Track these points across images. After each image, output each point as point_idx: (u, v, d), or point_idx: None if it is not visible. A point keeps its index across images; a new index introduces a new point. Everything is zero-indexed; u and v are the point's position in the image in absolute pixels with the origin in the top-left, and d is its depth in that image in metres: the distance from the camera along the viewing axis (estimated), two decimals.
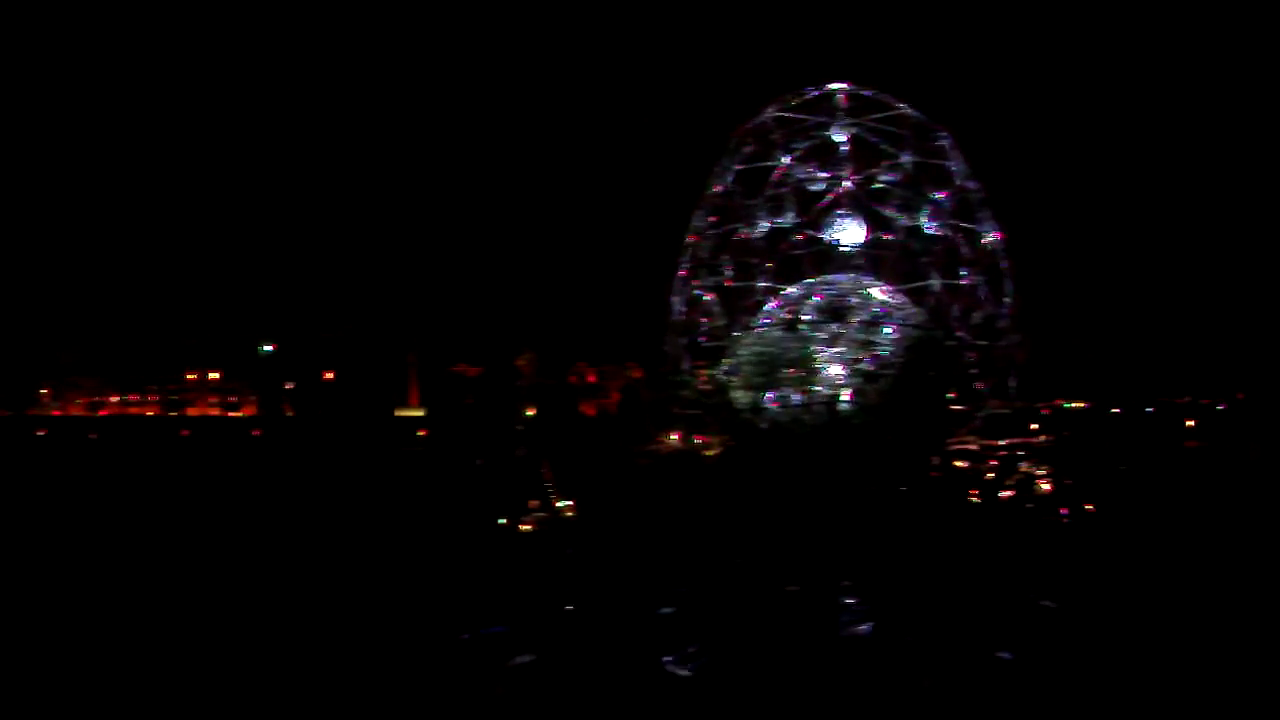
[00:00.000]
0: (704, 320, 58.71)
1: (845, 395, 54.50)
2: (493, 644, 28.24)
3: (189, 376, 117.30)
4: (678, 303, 59.10)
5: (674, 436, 74.91)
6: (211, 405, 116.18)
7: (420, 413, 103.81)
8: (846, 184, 57.15)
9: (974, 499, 54.93)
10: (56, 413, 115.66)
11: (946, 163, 57.22)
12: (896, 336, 54.77)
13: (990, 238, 56.90)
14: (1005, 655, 26.94)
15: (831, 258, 57.31)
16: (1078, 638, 28.49)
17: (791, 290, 57.16)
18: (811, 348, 54.94)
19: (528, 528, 51.10)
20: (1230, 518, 45.23)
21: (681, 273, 59.17)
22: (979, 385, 57.36)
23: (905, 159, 56.94)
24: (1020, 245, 58.46)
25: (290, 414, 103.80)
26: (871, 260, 57.05)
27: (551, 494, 55.00)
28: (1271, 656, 26.68)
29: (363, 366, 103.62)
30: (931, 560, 37.08)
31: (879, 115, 57.48)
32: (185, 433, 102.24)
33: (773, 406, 55.37)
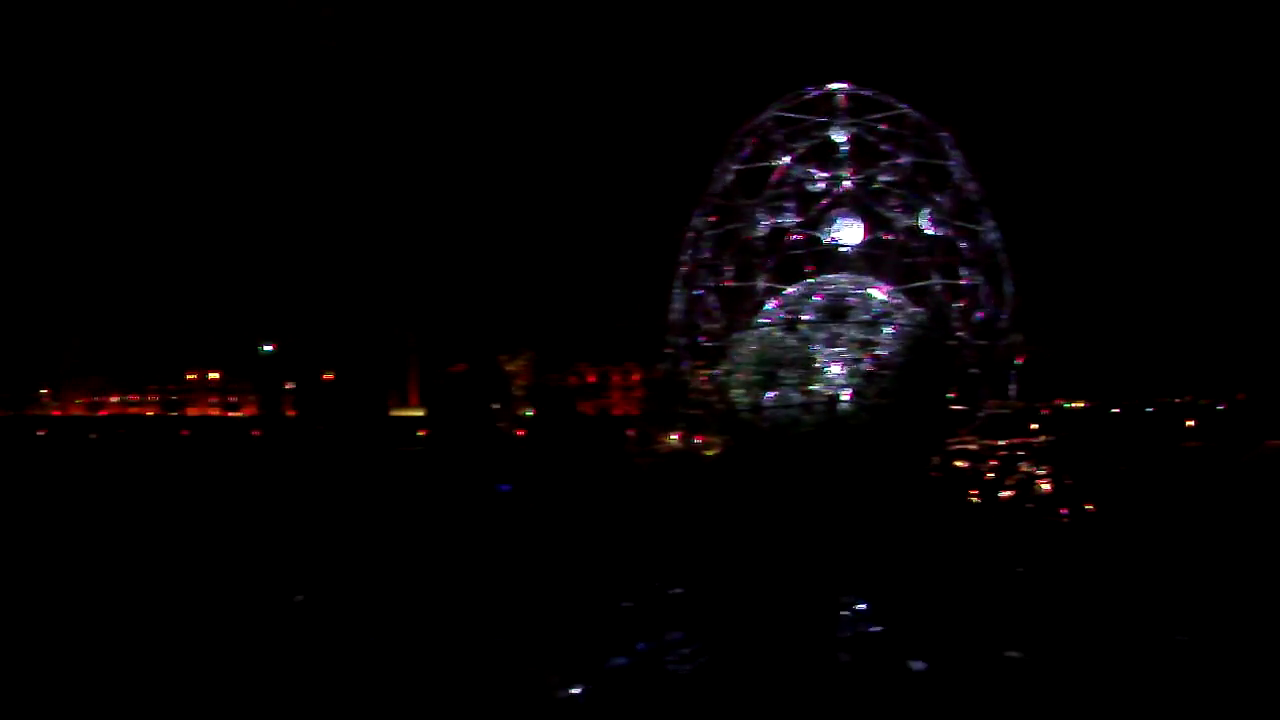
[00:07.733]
0: (704, 320, 58.80)
1: (845, 395, 54.55)
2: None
3: (189, 376, 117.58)
4: (678, 303, 59.16)
5: (674, 436, 75.00)
6: (211, 405, 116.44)
7: (420, 412, 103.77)
8: (846, 184, 57.22)
9: (974, 499, 54.97)
10: (56, 413, 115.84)
11: (946, 163, 57.32)
12: (896, 336, 54.83)
13: (990, 237, 56.97)
14: (1006, 653, 26.99)
15: (831, 258, 57.39)
16: (1077, 637, 28.53)
17: (791, 290, 57.21)
18: (811, 348, 55.00)
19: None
20: (1229, 517, 45.21)
21: (681, 272, 59.26)
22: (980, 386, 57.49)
23: (905, 159, 57.04)
24: (1020, 245, 58.59)
25: (291, 414, 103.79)
26: (871, 260, 57.13)
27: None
28: (1272, 657, 26.73)
29: (363, 366, 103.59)
30: (931, 560, 37.11)
31: (879, 115, 57.59)
32: (185, 433, 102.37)
33: (772, 406, 55.42)
